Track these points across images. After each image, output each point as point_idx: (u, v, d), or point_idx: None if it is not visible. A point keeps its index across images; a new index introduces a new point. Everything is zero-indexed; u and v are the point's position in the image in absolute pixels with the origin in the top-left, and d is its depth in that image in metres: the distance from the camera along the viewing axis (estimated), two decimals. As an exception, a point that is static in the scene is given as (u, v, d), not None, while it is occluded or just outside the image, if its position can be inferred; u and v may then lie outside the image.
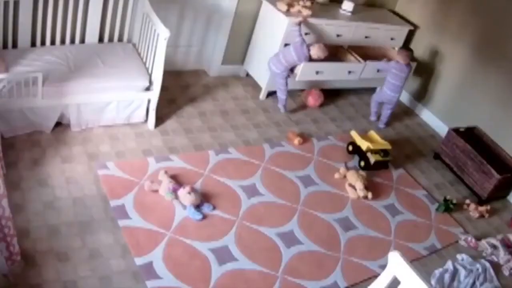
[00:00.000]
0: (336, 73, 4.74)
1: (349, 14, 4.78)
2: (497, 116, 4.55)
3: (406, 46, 4.83)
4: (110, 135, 3.76)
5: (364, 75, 4.90)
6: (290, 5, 4.41)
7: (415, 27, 5.20)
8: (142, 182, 3.43)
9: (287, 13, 4.35)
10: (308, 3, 4.51)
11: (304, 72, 4.46)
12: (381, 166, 4.27)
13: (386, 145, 4.28)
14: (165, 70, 3.73)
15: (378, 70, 4.92)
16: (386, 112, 4.85)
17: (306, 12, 4.39)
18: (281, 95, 4.54)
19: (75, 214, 3.09)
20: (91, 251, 2.91)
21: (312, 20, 4.43)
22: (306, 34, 4.45)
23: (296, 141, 4.25)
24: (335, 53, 4.98)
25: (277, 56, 4.38)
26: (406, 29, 5.08)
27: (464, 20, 4.79)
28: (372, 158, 4.17)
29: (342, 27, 4.67)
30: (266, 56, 4.53)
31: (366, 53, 4.97)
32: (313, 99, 4.78)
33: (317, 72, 4.55)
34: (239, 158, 3.94)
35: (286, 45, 4.43)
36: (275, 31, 4.45)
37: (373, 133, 4.39)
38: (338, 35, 4.67)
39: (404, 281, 2.28)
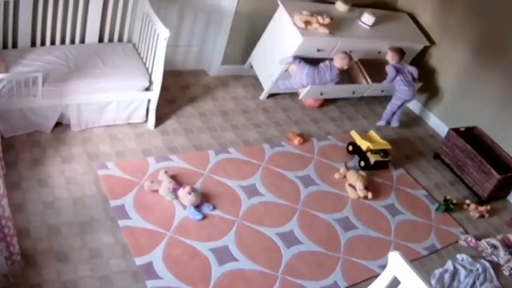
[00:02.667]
0: (340, 93, 4.75)
1: (367, 27, 4.69)
2: (497, 116, 4.55)
3: (393, 47, 4.68)
4: (110, 135, 3.76)
5: (368, 93, 4.89)
6: (307, 22, 4.25)
7: (431, 42, 5.07)
8: (142, 182, 3.43)
9: (304, 30, 4.22)
10: (327, 20, 4.30)
11: (309, 93, 4.47)
12: (381, 166, 4.27)
13: (386, 145, 4.28)
14: (165, 70, 3.73)
15: (382, 91, 4.90)
16: (401, 110, 4.89)
17: (323, 30, 4.29)
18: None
19: (75, 214, 3.09)
20: (91, 251, 2.91)
21: (328, 39, 4.35)
22: (318, 50, 4.39)
23: (296, 141, 4.25)
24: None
25: (312, 78, 4.34)
26: (420, 46, 5.00)
27: (464, 20, 4.79)
28: (372, 158, 4.17)
29: (357, 44, 4.61)
30: (273, 61, 4.46)
31: (375, 61, 4.86)
32: (313, 99, 4.78)
33: (321, 93, 4.58)
34: (239, 158, 3.94)
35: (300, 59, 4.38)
36: (287, 44, 4.33)
37: (373, 133, 4.39)
38: (351, 51, 4.60)
39: (404, 281, 2.28)
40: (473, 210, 4.15)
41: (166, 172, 3.47)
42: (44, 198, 3.13)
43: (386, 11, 5.12)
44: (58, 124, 3.64)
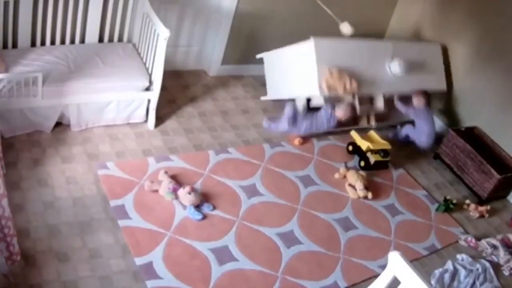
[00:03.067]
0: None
1: (392, 74, 4.51)
2: (497, 116, 4.55)
3: (420, 91, 4.50)
4: (110, 135, 3.76)
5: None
6: (330, 88, 4.05)
7: (449, 72, 4.92)
8: (142, 182, 3.43)
9: (325, 92, 4.07)
10: (354, 85, 4.12)
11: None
12: (381, 166, 4.27)
13: (386, 145, 4.27)
14: (165, 70, 3.73)
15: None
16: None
17: (347, 96, 4.16)
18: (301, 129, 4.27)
19: (75, 214, 3.09)
20: (91, 251, 2.91)
21: (347, 98, 4.27)
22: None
23: (296, 141, 4.25)
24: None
25: (310, 128, 4.22)
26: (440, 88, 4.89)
27: (464, 20, 4.79)
28: (372, 158, 4.17)
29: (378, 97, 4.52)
30: (283, 83, 4.41)
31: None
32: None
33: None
34: (239, 158, 3.94)
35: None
36: (304, 86, 4.20)
37: (373, 133, 4.39)
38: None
39: (404, 281, 2.28)
40: (473, 210, 4.14)
41: (166, 172, 3.47)
42: (44, 198, 3.13)
43: (419, 43, 4.95)
44: (58, 124, 3.64)
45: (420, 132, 4.49)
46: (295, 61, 4.32)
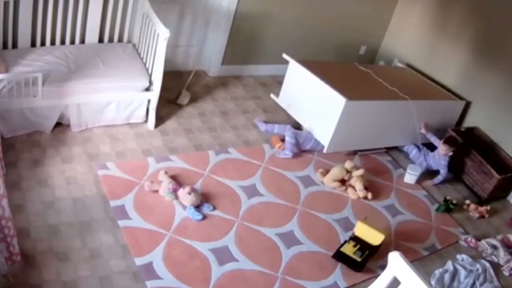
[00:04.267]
0: None
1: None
2: (497, 116, 4.55)
3: (448, 139, 4.23)
4: (110, 135, 3.76)
5: None
6: (329, 178, 3.96)
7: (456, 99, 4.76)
8: (142, 182, 3.43)
9: (320, 178, 3.99)
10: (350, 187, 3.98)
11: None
12: (350, 263, 3.30)
13: (376, 238, 3.40)
14: (165, 70, 3.73)
15: None
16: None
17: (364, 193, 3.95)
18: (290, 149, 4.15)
19: (75, 214, 3.09)
20: (91, 251, 2.91)
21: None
22: None
23: (277, 146, 4.19)
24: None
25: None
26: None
27: (463, 21, 4.79)
28: (345, 248, 3.37)
29: None
30: (301, 105, 4.20)
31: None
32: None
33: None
34: (239, 158, 3.94)
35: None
36: (318, 128, 4.06)
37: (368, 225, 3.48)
38: None
39: (404, 281, 2.28)
40: (473, 211, 4.14)
41: (166, 173, 3.47)
42: (44, 198, 3.13)
43: (443, 101, 4.66)
44: (58, 124, 3.64)
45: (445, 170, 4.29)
46: (320, 99, 3.97)
